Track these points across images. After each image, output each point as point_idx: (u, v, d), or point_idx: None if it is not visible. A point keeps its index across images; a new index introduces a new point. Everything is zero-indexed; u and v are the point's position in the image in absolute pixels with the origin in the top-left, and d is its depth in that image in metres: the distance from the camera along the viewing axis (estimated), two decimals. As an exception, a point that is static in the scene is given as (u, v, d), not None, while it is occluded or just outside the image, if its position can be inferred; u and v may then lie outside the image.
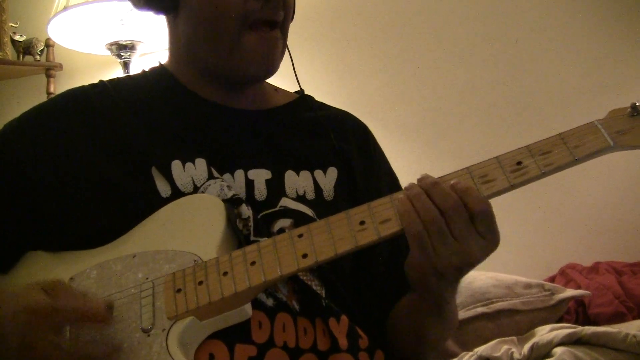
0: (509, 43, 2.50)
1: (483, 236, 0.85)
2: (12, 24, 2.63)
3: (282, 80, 1.20)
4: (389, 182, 1.22)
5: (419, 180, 0.87)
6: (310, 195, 1.07)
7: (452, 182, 0.85)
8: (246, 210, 0.98)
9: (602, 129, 0.86)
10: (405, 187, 0.87)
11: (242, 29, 1.04)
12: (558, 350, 1.54)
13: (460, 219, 0.83)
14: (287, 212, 1.03)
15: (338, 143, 1.15)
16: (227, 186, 1.01)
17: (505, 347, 1.63)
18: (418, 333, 1.04)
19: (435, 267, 0.85)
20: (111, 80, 1.17)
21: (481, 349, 1.65)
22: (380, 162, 1.22)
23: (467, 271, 0.87)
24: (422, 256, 0.85)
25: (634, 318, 1.91)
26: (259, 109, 1.16)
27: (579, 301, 2.02)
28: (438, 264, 0.85)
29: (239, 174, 1.05)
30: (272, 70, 1.09)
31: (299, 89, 1.25)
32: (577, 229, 2.35)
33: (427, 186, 0.85)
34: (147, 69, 1.20)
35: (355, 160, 1.15)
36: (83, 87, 1.15)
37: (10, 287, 0.92)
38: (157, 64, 1.20)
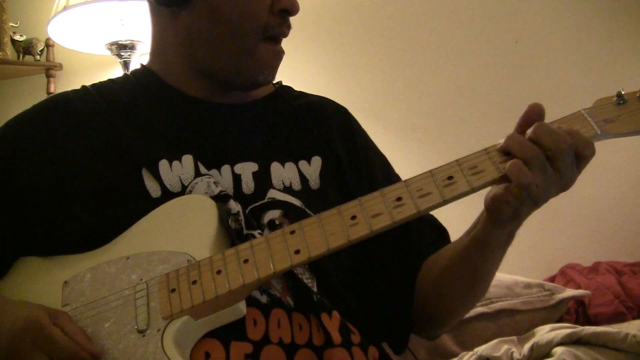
0: (509, 43, 2.50)
1: (579, 170, 0.87)
2: (12, 24, 2.63)
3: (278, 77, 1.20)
4: (381, 163, 1.22)
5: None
6: (297, 186, 1.07)
7: (555, 125, 0.86)
8: (235, 206, 0.99)
9: (589, 118, 0.88)
10: (505, 143, 0.86)
11: (259, 38, 1.08)
12: (558, 350, 1.54)
13: (569, 158, 0.84)
14: (275, 204, 1.04)
15: (319, 130, 1.16)
16: (214, 182, 1.01)
17: (505, 347, 1.63)
18: (476, 277, 1.04)
19: (535, 198, 0.85)
20: (94, 85, 1.18)
21: (481, 349, 1.65)
22: (366, 144, 1.23)
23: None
24: (526, 193, 0.84)
25: (634, 318, 1.91)
26: (240, 102, 1.17)
27: (579, 301, 2.02)
28: (538, 195, 0.85)
29: (226, 169, 1.05)
30: (273, 79, 1.15)
31: (280, 80, 1.25)
32: (577, 229, 2.35)
33: (534, 129, 0.85)
34: (129, 72, 1.22)
35: (338, 145, 1.16)
36: (65, 92, 1.16)
37: (19, 300, 0.95)
38: (139, 66, 1.21)
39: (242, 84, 1.13)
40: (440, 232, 1.18)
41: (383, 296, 1.11)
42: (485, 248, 0.97)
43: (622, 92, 0.88)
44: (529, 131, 0.86)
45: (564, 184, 0.86)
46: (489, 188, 0.89)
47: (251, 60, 1.09)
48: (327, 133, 1.16)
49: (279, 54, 1.12)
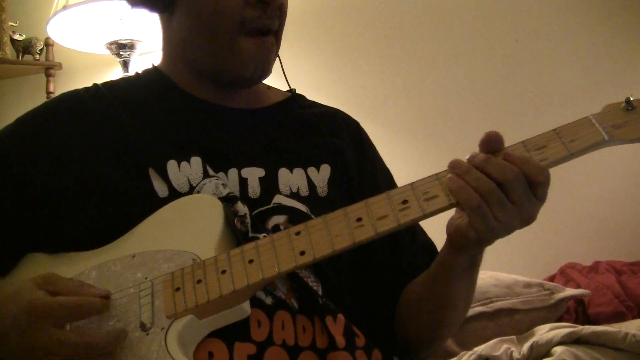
0: (509, 43, 2.50)
1: (540, 199, 0.86)
2: (12, 23, 2.63)
3: (278, 80, 1.21)
4: (386, 178, 1.23)
5: (469, 159, 0.87)
6: (304, 192, 1.07)
7: (505, 152, 0.86)
8: (242, 208, 0.99)
9: (597, 124, 0.87)
10: (450, 165, 0.87)
11: (238, 34, 1.06)
12: (557, 349, 1.54)
13: (520, 188, 0.84)
14: (281, 209, 1.03)
15: (331, 139, 1.15)
16: (222, 184, 1.01)
17: (504, 346, 1.64)
18: (443, 304, 1.03)
19: (495, 231, 0.85)
20: (105, 83, 1.18)
21: (481, 348, 1.65)
22: (374, 157, 1.23)
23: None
24: (483, 224, 0.85)
25: (634, 317, 1.91)
26: (252, 107, 1.17)
27: (578, 300, 2.02)
28: (498, 228, 0.85)
29: (233, 172, 1.05)
30: (265, 74, 1.12)
31: (294, 87, 1.26)
32: (577, 229, 2.35)
33: (480, 162, 0.85)
34: (140, 71, 1.21)
35: (349, 156, 1.16)
36: (76, 90, 1.16)
37: (6, 288, 0.92)
38: (150, 66, 1.21)
39: (235, 82, 1.13)
40: (432, 256, 1.18)
41: (370, 312, 1.11)
42: (449, 272, 0.97)
43: (631, 98, 0.87)
44: (477, 163, 0.86)
45: (526, 216, 0.85)
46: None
47: (233, 56, 1.07)
48: (339, 143, 1.16)
49: (264, 46, 1.09)
